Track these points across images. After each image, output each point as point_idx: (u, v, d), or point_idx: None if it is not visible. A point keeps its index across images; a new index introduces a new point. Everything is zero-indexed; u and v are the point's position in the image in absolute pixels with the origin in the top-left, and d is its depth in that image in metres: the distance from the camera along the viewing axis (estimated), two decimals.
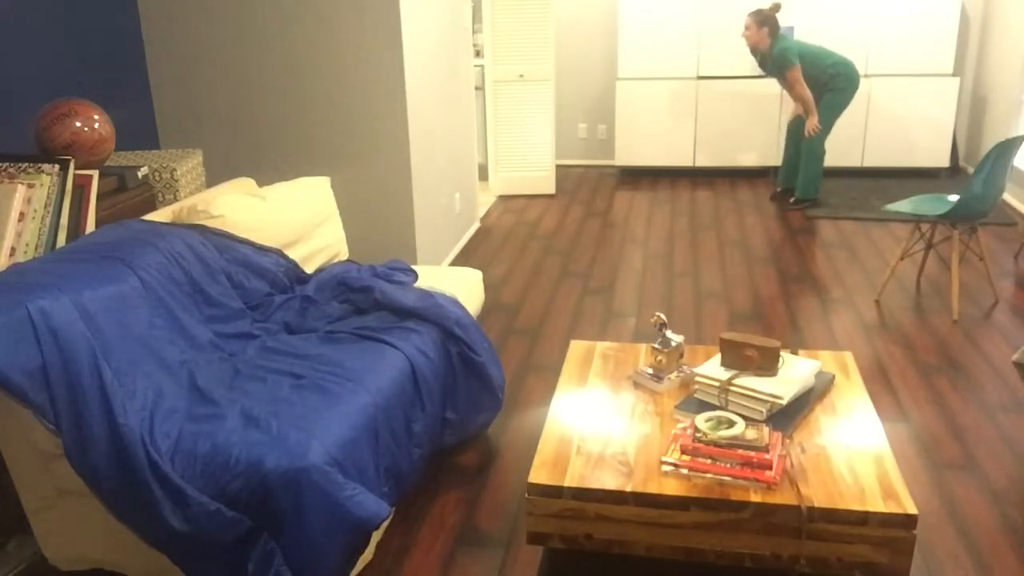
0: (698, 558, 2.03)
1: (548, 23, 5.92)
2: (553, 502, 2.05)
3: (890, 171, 6.64)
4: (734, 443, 2.04)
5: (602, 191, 6.45)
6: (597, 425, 2.29)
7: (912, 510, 1.90)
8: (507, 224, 5.60)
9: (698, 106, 6.61)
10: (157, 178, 3.19)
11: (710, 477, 2.02)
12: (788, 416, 2.25)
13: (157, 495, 1.93)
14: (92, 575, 2.25)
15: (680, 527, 2.00)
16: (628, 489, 2.01)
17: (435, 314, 2.70)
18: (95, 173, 2.63)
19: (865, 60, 6.35)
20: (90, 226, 2.62)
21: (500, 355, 3.62)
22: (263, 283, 2.81)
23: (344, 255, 3.42)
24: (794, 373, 2.34)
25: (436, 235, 4.52)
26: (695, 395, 2.38)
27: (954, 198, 4.03)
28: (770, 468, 2.00)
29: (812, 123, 5.57)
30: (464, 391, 2.73)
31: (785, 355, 2.45)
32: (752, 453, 2.01)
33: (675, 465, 2.06)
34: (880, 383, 3.29)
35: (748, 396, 2.27)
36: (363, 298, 2.81)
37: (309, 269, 3.14)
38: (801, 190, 5.77)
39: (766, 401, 2.24)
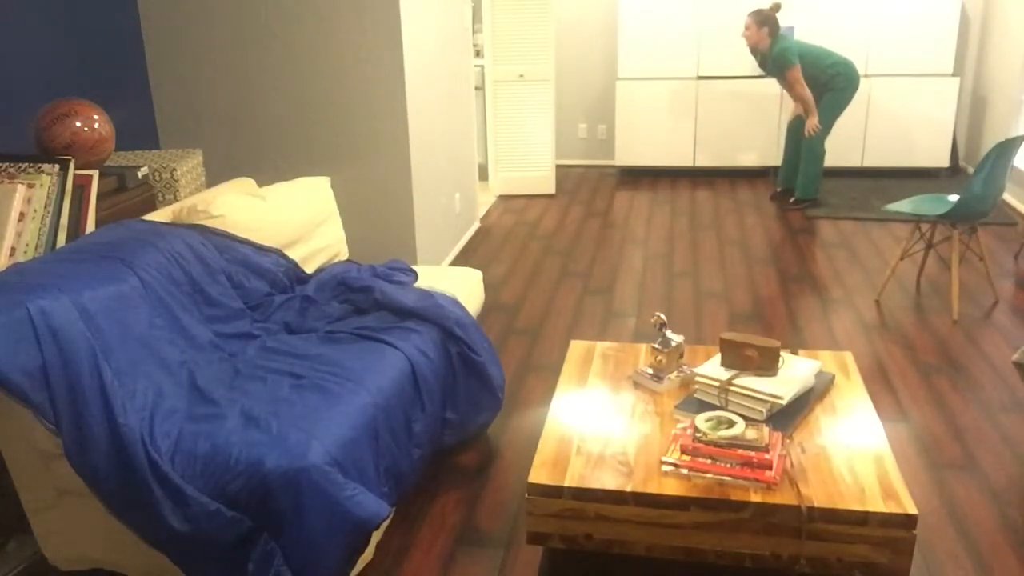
0: (698, 558, 2.03)
1: (548, 23, 5.92)
2: (553, 502, 2.05)
3: (890, 171, 6.64)
4: (734, 443, 2.04)
5: (602, 191, 6.45)
6: (597, 425, 2.29)
7: (912, 510, 1.90)
8: (507, 224, 5.60)
9: (698, 106, 6.61)
10: (157, 178, 3.19)
11: (710, 477, 2.02)
12: (788, 416, 2.25)
13: (157, 495, 1.93)
14: (92, 575, 2.25)
15: (680, 527, 2.00)
16: (628, 489, 2.01)
17: (435, 314, 2.70)
18: (95, 173, 2.63)
19: (865, 60, 6.35)
20: (90, 226, 2.62)
21: (500, 355, 3.62)
22: (263, 283, 2.81)
23: (344, 255, 3.42)
24: (794, 373, 2.34)
25: (436, 235, 4.52)
26: (695, 395, 2.38)
27: (954, 198, 4.03)
28: (770, 468, 2.00)
29: (812, 123, 5.57)
30: (464, 391, 2.73)
31: (785, 355, 2.45)
32: (752, 453, 2.01)
33: (675, 465, 2.06)
34: (880, 383, 3.29)
35: (748, 396, 2.27)
36: (363, 298, 2.81)
37: (309, 269, 3.14)
38: (801, 190, 5.77)
39: (766, 401, 2.24)
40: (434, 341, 2.64)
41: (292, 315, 2.76)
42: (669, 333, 2.52)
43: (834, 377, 2.49)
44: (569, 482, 2.04)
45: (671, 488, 2.01)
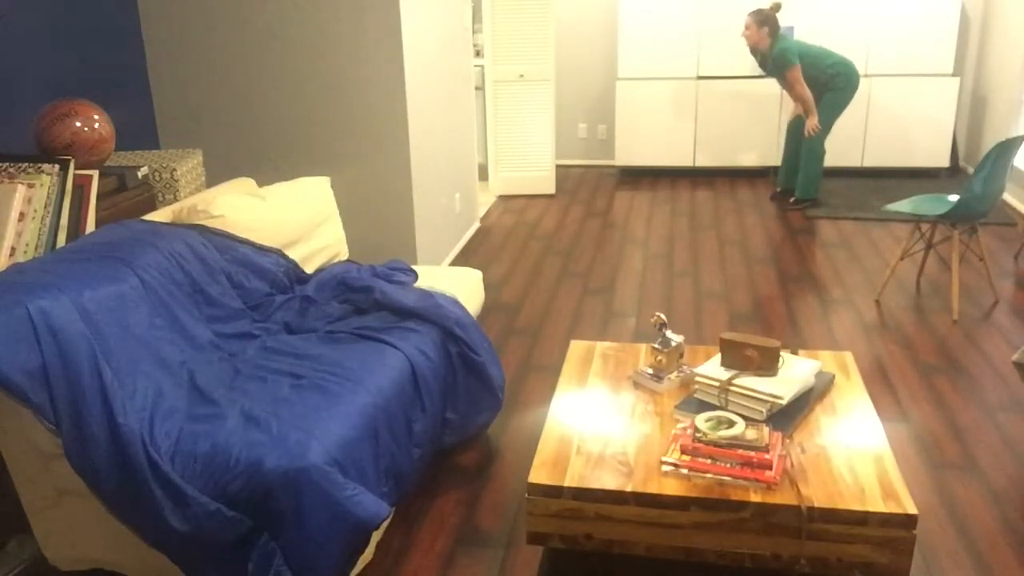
0: (698, 558, 2.03)
1: (548, 23, 5.92)
2: (553, 502, 2.05)
3: (890, 171, 6.64)
4: (734, 443, 2.04)
5: (602, 191, 6.45)
6: (597, 425, 2.29)
7: (912, 510, 1.90)
8: (507, 224, 5.60)
9: (698, 106, 6.61)
10: (157, 178, 3.19)
11: (710, 477, 2.02)
12: (788, 416, 2.25)
13: (157, 495, 1.93)
14: (92, 575, 2.25)
15: (680, 527, 2.00)
16: (628, 489, 2.01)
17: (435, 314, 2.70)
18: (95, 173, 2.63)
19: (865, 60, 6.35)
20: (90, 226, 2.62)
21: (500, 355, 3.62)
22: (263, 283, 2.81)
23: (344, 255, 3.42)
24: (794, 373, 2.34)
25: (436, 235, 4.52)
26: (695, 395, 2.38)
27: (954, 198, 4.03)
28: (770, 468, 2.00)
29: (812, 123, 5.57)
30: (464, 391, 2.73)
31: (785, 355, 2.45)
32: (752, 453, 2.01)
33: (675, 465, 2.06)
34: (880, 383, 3.29)
35: (748, 396, 2.27)
36: (363, 298, 2.81)
37: (309, 269, 3.14)
38: (801, 190, 5.77)
39: (766, 401, 2.24)
40: (434, 341, 2.64)
41: (292, 315, 2.76)
42: (669, 333, 2.52)
43: (834, 377, 2.49)
44: (569, 482, 2.04)
45: (671, 488, 2.01)
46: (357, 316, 2.76)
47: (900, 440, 2.88)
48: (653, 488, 2.01)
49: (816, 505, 1.93)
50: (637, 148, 6.77)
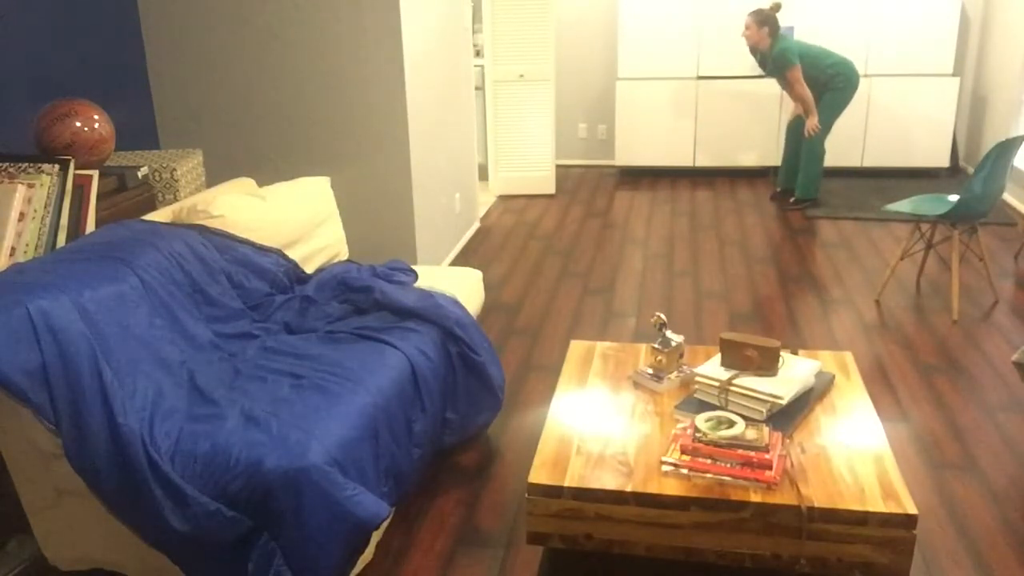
0: (698, 558, 2.03)
1: (548, 23, 5.92)
2: (553, 502, 2.05)
3: (890, 171, 6.64)
4: (734, 443, 2.04)
5: (602, 191, 6.45)
6: (597, 425, 2.29)
7: (912, 510, 1.90)
8: (507, 224, 5.60)
9: (698, 106, 6.61)
10: (157, 178, 3.19)
11: (710, 477, 2.02)
12: (788, 416, 2.25)
13: (157, 495, 1.93)
14: (92, 575, 2.25)
15: (680, 527, 2.00)
16: (628, 489, 2.01)
17: (435, 314, 2.70)
18: (95, 173, 2.63)
19: (865, 60, 6.35)
20: (90, 226, 2.62)
21: (500, 355, 3.62)
22: (263, 283, 2.81)
23: (344, 255, 3.42)
24: (794, 373, 2.34)
25: (436, 235, 4.52)
26: (695, 395, 2.38)
27: (954, 198, 4.03)
28: (770, 468, 2.00)
29: (812, 123, 5.57)
30: (464, 391, 2.73)
31: (785, 355, 2.45)
32: (752, 453, 2.01)
33: (675, 465, 2.06)
34: (880, 383, 3.29)
35: (748, 396, 2.27)
36: (363, 298, 2.81)
37: (309, 269, 3.14)
38: (801, 190, 5.77)
39: (766, 401, 2.24)
40: (434, 341, 2.64)
41: (292, 315, 2.76)
42: (669, 333, 2.52)
43: (834, 377, 2.49)
44: (569, 482, 2.04)
45: (671, 488, 2.01)
46: (357, 316, 2.76)
47: (900, 440, 2.88)
48: (653, 488, 2.01)
49: (816, 505, 1.93)
50: (637, 148, 6.77)
